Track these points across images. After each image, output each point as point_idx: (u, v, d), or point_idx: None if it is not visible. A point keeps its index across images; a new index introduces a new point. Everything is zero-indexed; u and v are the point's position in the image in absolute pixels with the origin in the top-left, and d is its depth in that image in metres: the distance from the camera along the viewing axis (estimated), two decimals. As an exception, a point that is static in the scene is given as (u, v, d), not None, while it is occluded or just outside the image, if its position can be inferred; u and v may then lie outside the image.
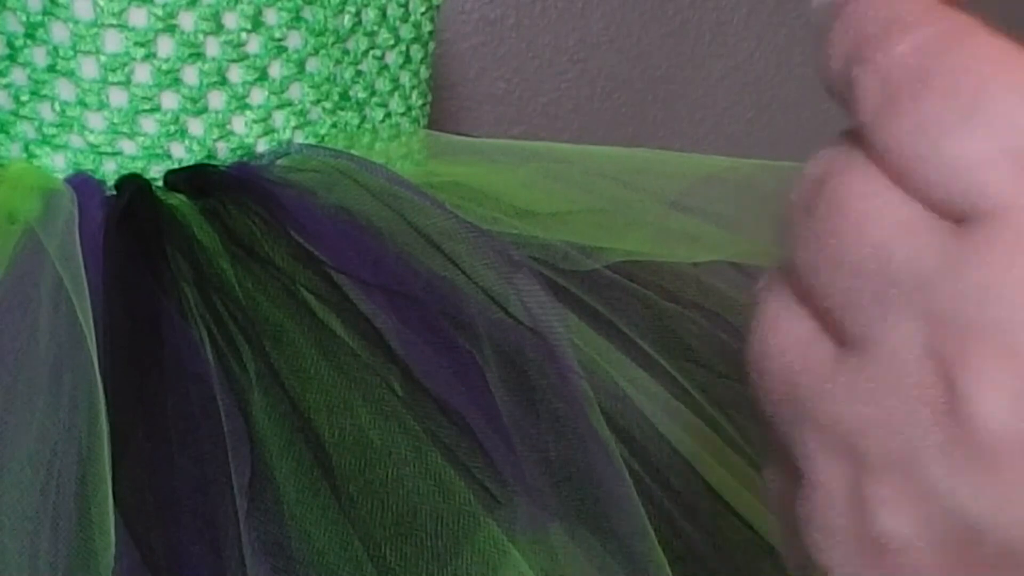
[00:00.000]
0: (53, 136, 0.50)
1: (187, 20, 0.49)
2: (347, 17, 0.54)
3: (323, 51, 0.53)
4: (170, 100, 0.50)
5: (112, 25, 0.48)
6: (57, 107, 0.49)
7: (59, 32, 0.49)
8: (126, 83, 0.49)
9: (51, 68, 0.49)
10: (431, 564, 0.39)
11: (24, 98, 0.50)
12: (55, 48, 0.49)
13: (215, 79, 0.50)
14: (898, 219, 0.21)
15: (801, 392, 0.23)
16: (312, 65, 0.53)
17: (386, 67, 0.56)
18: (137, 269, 0.46)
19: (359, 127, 0.55)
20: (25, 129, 0.50)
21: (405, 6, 0.57)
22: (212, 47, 0.50)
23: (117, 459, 0.39)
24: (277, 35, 0.51)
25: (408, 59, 0.57)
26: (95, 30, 0.48)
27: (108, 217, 0.48)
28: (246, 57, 0.51)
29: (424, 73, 0.59)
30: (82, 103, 0.49)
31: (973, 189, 0.20)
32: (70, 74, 0.49)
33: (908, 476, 0.20)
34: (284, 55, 0.52)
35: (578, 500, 0.42)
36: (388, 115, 0.57)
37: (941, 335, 0.20)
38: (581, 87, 1.14)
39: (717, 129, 1.19)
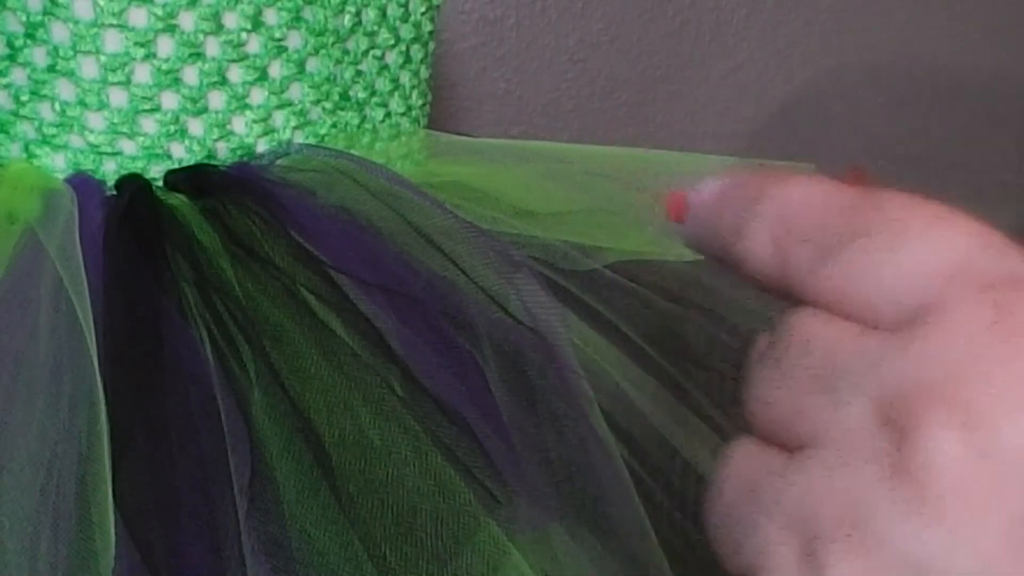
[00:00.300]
0: (53, 136, 0.50)
1: (187, 20, 0.49)
2: (347, 17, 0.54)
3: (323, 51, 0.53)
4: (170, 100, 0.50)
5: (112, 25, 0.48)
6: (57, 107, 0.49)
7: (59, 32, 0.49)
8: (126, 83, 0.49)
9: (51, 68, 0.49)
10: (431, 564, 0.38)
11: (24, 98, 0.50)
12: (55, 48, 0.49)
13: (215, 79, 0.50)
14: (839, 331, 0.24)
15: (755, 496, 0.24)
16: (312, 65, 0.53)
17: (386, 67, 0.56)
18: (137, 269, 0.46)
19: (359, 127, 0.55)
20: (25, 129, 0.50)
21: (405, 6, 0.57)
22: (212, 47, 0.50)
23: (117, 459, 0.39)
24: (277, 35, 0.51)
25: (408, 59, 0.57)
26: (95, 30, 0.48)
27: (108, 217, 0.48)
28: (246, 57, 0.51)
29: (424, 73, 0.59)
30: (82, 103, 0.49)
31: (910, 298, 0.23)
32: (70, 74, 0.49)
33: (858, 530, 0.22)
34: (284, 55, 0.52)
35: (578, 500, 0.42)
36: (388, 115, 0.57)
37: (892, 406, 0.22)
38: (581, 87, 1.15)
39: (717, 129, 1.19)
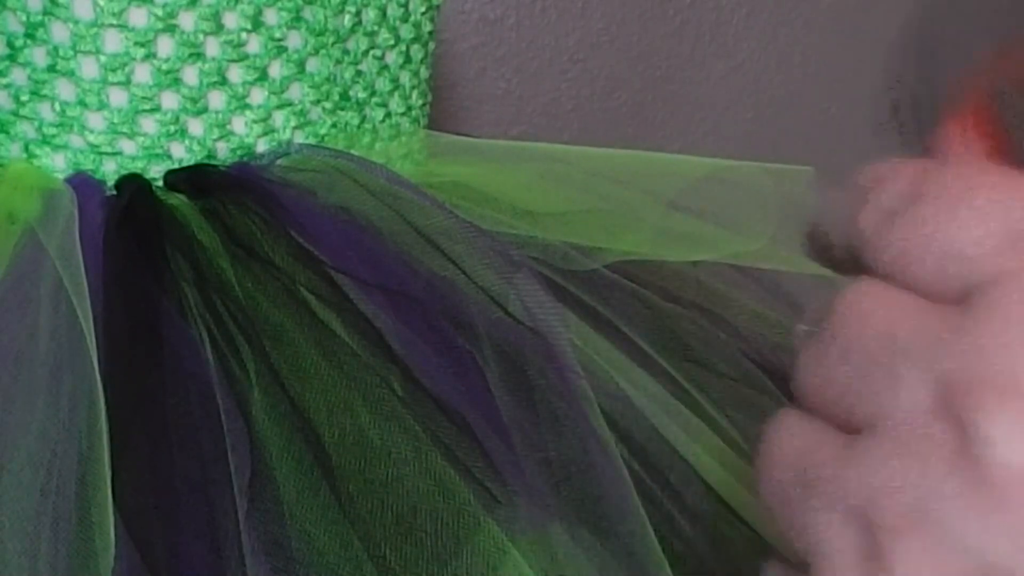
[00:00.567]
0: (53, 136, 0.50)
1: (187, 20, 0.49)
2: (347, 17, 0.54)
3: (323, 51, 0.53)
4: (170, 100, 0.50)
5: (112, 25, 0.48)
6: (57, 107, 0.49)
7: (59, 32, 0.49)
8: (126, 83, 0.49)
9: (51, 68, 0.49)
10: (431, 564, 0.38)
11: (24, 98, 0.50)
12: (55, 48, 0.49)
13: (215, 79, 0.50)
14: (899, 306, 0.23)
15: (812, 480, 0.24)
16: (312, 65, 0.53)
17: (386, 67, 0.56)
18: (137, 269, 0.46)
19: (359, 127, 0.55)
20: (25, 129, 0.50)
21: (405, 6, 0.57)
22: (212, 47, 0.50)
23: (117, 459, 0.39)
24: (277, 35, 0.51)
25: (408, 59, 0.57)
26: (95, 30, 0.48)
27: (108, 217, 0.48)
28: (246, 57, 0.51)
29: (424, 73, 0.59)
30: (82, 103, 0.49)
31: (966, 269, 0.22)
32: (70, 74, 0.49)
33: (924, 526, 0.21)
34: (284, 55, 0.52)
35: (578, 500, 0.42)
36: (388, 115, 0.57)
37: (951, 392, 0.21)
38: (581, 87, 1.14)
39: (717, 129, 1.19)
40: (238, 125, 0.51)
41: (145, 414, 0.42)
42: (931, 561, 0.21)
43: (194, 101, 0.50)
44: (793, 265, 0.52)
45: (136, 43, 0.49)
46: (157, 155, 0.50)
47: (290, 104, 0.52)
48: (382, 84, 0.56)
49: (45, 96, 0.49)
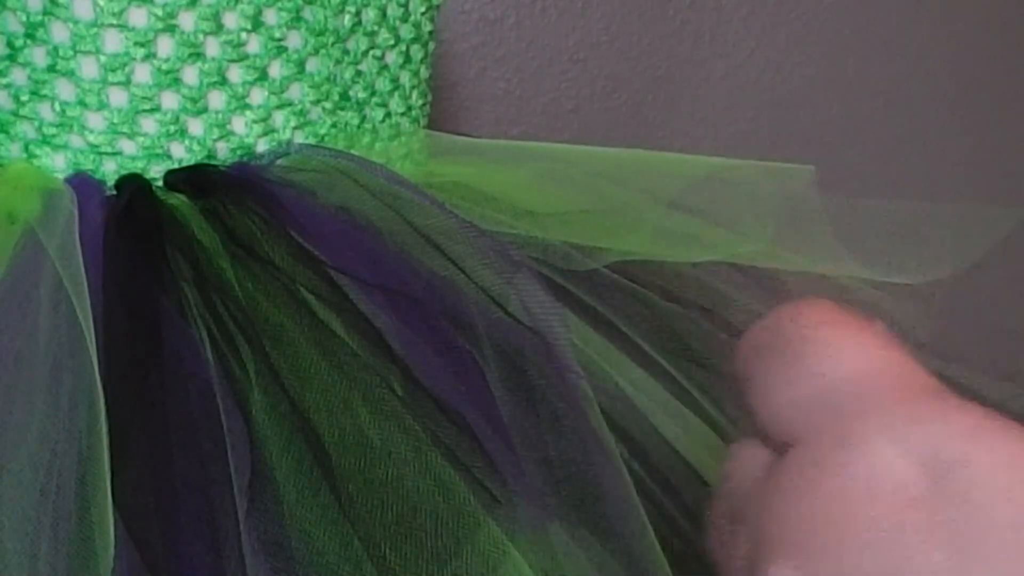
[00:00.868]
0: (53, 136, 0.50)
1: (187, 20, 0.49)
2: (347, 17, 0.54)
3: (323, 51, 0.53)
4: (170, 100, 0.50)
5: (112, 25, 0.48)
6: (57, 107, 0.49)
7: (59, 32, 0.49)
8: (126, 83, 0.49)
9: (51, 68, 0.49)
10: (431, 564, 0.38)
11: (24, 98, 0.50)
12: (55, 48, 0.49)
13: (215, 79, 0.50)
14: (752, 462, 0.27)
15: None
16: (312, 65, 0.53)
17: (386, 67, 0.56)
18: (137, 269, 0.46)
19: (359, 127, 0.55)
20: (25, 129, 0.50)
21: (405, 6, 0.57)
22: (212, 47, 0.50)
23: (117, 459, 0.39)
24: (277, 35, 0.51)
25: (408, 59, 0.57)
26: (95, 30, 0.48)
27: (108, 217, 0.48)
28: (246, 57, 0.51)
29: (424, 73, 0.59)
30: (82, 103, 0.49)
31: (787, 431, 0.25)
32: (70, 74, 0.49)
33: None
34: (284, 55, 0.52)
35: (578, 500, 0.42)
36: (388, 115, 0.57)
37: (758, 549, 0.25)
38: (581, 87, 1.14)
39: (717, 129, 1.19)
40: (238, 125, 0.51)
41: (145, 414, 0.42)
42: None
43: (194, 101, 0.50)
44: (793, 265, 0.52)
45: (136, 43, 0.49)
46: (157, 155, 0.50)
47: (290, 104, 0.52)
48: (382, 84, 0.56)
49: (45, 96, 0.50)
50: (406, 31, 0.57)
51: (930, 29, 1.23)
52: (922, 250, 0.51)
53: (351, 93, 0.55)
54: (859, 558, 0.22)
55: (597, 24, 1.14)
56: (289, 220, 0.48)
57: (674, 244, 0.54)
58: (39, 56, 0.49)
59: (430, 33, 0.59)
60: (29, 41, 0.49)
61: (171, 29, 0.49)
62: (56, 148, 0.50)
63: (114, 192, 0.50)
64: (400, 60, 0.57)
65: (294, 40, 0.52)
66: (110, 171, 0.50)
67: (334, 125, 0.54)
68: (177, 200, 0.49)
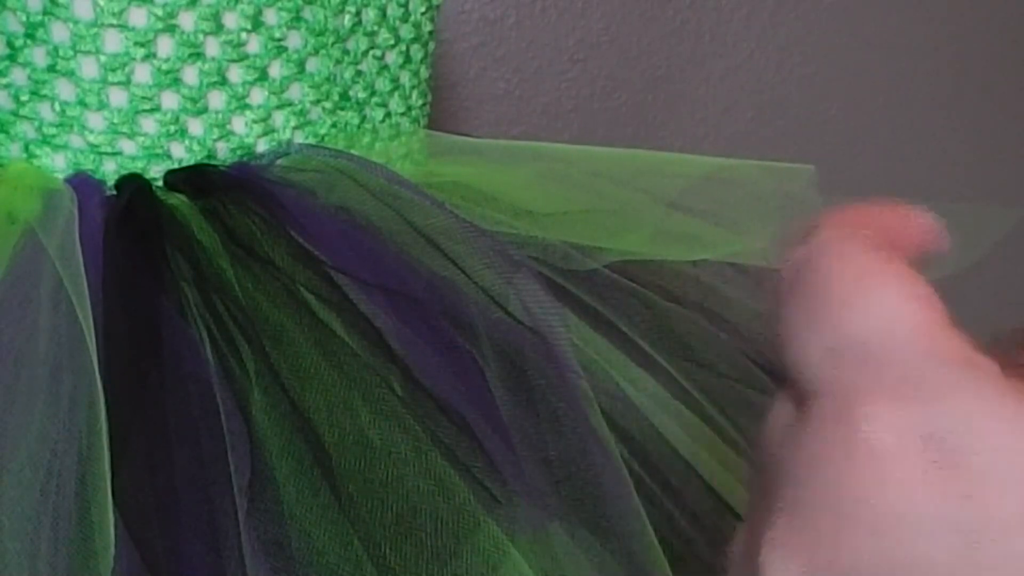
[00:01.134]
0: (53, 136, 0.50)
1: (187, 20, 0.49)
2: (347, 17, 0.54)
3: (323, 51, 0.53)
4: (170, 100, 0.50)
5: (112, 25, 0.48)
6: (57, 107, 0.49)
7: (59, 32, 0.49)
8: (126, 83, 0.49)
9: (51, 68, 0.49)
10: (431, 564, 0.38)
11: (24, 98, 0.50)
12: (55, 48, 0.49)
13: (215, 79, 0.50)
14: (780, 415, 0.26)
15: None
16: (312, 65, 0.53)
17: (386, 67, 0.56)
18: (137, 269, 0.46)
19: (359, 127, 0.55)
20: (25, 129, 0.50)
21: (405, 6, 0.57)
22: (212, 47, 0.50)
23: (117, 459, 0.39)
24: (277, 35, 0.51)
25: (408, 59, 0.57)
26: (95, 30, 0.48)
27: (108, 217, 0.48)
28: (246, 57, 0.51)
29: (424, 73, 0.59)
30: (82, 103, 0.49)
31: (805, 378, 0.24)
32: (70, 74, 0.49)
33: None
34: (284, 55, 0.52)
35: (578, 500, 0.42)
36: (388, 115, 0.57)
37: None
38: (581, 87, 1.14)
39: (717, 129, 1.19)
40: (238, 125, 0.51)
41: (145, 414, 0.42)
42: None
43: (194, 101, 0.50)
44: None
45: (136, 43, 0.49)
46: (157, 155, 0.50)
47: (290, 104, 0.52)
48: (382, 84, 0.56)
49: (45, 96, 0.49)
50: (406, 31, 0.57)
51: (930, 29, 1.23)
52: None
53: (351, 93, 0.55)
54: (862, 545, 0.21)
55: (597, 24, 1.14)
56: (289, 220, 0.48)
57: (674, 244, 0.54)
58: (39, 56, 0.49)
59: (430, 33, 0.59)
60: (29, 41, 0.49)
61: (171, 29, 0.49)
62: (56, 148, 0.50)
63: (114, 192, 0.50)
64: (400, 60, 0.57)
65: (294, 40, 0.52)
66: (110, 171, 0.50)
67: (334, 125, 0.54)
68: (177, 200, 0.49)
